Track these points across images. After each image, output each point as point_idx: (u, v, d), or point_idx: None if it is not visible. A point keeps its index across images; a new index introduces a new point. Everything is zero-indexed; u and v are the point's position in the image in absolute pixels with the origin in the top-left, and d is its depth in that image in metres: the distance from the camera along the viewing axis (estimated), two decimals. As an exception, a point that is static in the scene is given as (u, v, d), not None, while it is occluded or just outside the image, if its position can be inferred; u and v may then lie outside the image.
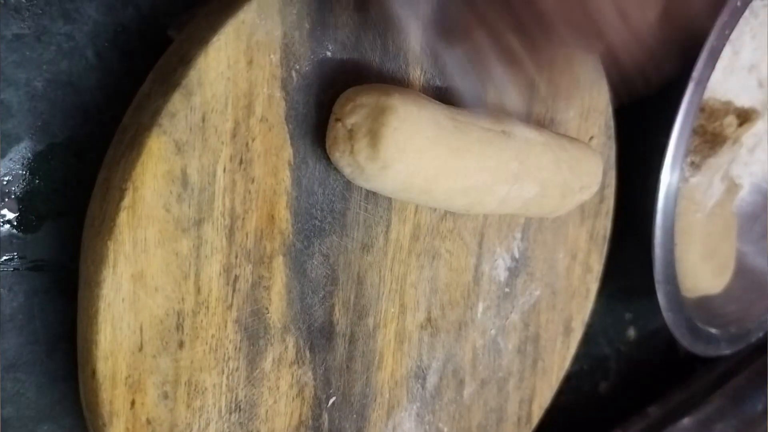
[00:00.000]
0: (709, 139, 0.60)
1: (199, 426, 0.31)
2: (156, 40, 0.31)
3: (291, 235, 0.32)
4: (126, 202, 0.26)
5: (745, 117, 0.61)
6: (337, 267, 0.34)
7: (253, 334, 0.32)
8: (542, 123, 0.43)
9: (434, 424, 0.42)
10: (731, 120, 0.61)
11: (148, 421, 0.29)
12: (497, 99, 0.35)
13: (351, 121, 0.30)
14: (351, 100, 0.30)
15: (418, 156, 0.30)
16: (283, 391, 0.34)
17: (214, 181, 0.29)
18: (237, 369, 0.32)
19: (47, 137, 0.29)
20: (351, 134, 0.30)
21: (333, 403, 0.36)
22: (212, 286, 0.30)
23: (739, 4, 0.50)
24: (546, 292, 0.46)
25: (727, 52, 0.57)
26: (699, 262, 0.63)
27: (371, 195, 0.35)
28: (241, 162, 0.29)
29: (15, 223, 0.29)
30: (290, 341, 0.33)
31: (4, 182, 0.29)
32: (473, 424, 0.45)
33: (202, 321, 0.30)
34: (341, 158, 0.31)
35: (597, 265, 0.50)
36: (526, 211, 0.39)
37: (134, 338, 0.28)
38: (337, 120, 0.31)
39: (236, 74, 0.28)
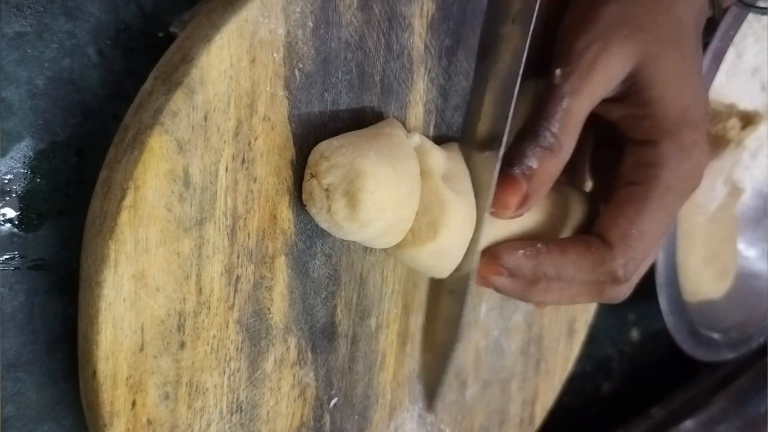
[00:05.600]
0: (712, 141, 0.60)
1: (200, 427, 0.31)
2: (158, 38, 0.31)
3: (293, 235, 0.32)
4: (127, 201, 0.26)
5: (748, 120, 0.61)
6: (340, 267, 0.34)
7: (255, 334, 0.32)
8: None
9: (436, 426, 0.42)
10: (734, 123, 0.61)
11: (149, 422, 0.29)
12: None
13: (326, 181, 0.29)
14: (325, 158, 0.30)
15: (397, 209, 0.30)
16: (285, 392, 0.34)
17: (216, 181, 0.29)
18: (238, 370, 0.31)
19: (48, 136, 0.29)
20: (328, 194, 0.29)
21: (335, 404, 0.36)
22: (214, 286, 0.30)
23: (743, 5, 0.50)
24: (549, 293, 0.46)
25: (730, 54, 0.57)
26: (701, 265, 0.63)
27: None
28: (243, 161, 0.29)
29: (16, 222, 0.29)
30: (292, 342, 0.33)
31: (5, 181, 0.29)
32: (475, 425, 0.45)
33: (203, 321, 0.30)
34: (318, 215, 0.30)
35: (600, 267, 0.50)
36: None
37: (135, 338, 0.28)
38: (312, 176, 0.30)
39: (239, 73, 0.28)
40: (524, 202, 0.34)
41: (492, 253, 0.36)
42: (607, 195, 0.37)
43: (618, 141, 0.37)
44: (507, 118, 0.34)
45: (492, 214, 0.34)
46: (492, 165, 0.34)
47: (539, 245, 0.35)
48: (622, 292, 0.38)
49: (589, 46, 0.34)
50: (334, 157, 0.29)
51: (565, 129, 0.34)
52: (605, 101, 0.35)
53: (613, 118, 0.36)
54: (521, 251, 0.35)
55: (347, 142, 0.30)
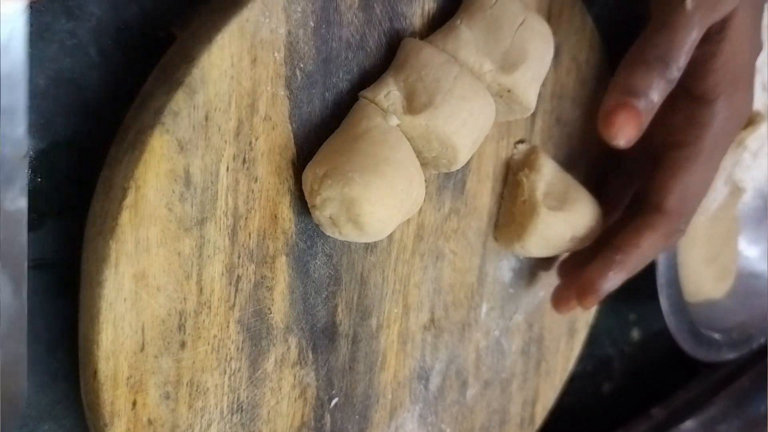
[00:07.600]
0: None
1: (201, 427, 0.31)
2: (159, 37, 0.31)
3: (294, 235, 0.32)
4: (128, 201, 0.26)
5: (749, 120, 0.61)
6: (341, 267, 0.34)
7: (256, 334, 0.32)
8: (548, 122, 0.42)
9: (437, 426, 0.42)
10: (735, 122, 0.61)
11: (150, 422, 0.29)
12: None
13: (326, 213, 0.30)
14: (316, 191, 0.30)
15: (401, 207, 0.31)
16: (286, 391, 0.34)
17: (216, 180, 0.29)
18: (239, 369, 0.31)
19: (49, 135, 0.29)
20: (333, 221, 0.30)
21: (335, 404, 0.36)
22: (214, 286, 0.30)
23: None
24: (550, 292, 0.46)
25: (732, 53, 0.57)
26: (701, 266, 0.62)
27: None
28: (244, 161, 0.29)
29: (16, 222, 0.29)
30: (293, 342, 0.33)
31: (6, 180, 0.29)
32: (476, 425, 0.45)
33: (204, 321, 0.30)
34: (334, 235, 0.32)
35: (601, 267, 0.50)
36: None
37: (136, 338, 0.28)
38: (314, 207, 0.31)
39: (240, 72, 0.28)
40: (637, 136, 0.33)
41: (587, 286, 0.38)
42: (649, 151, 0.37)
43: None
44: None
45: (606, 139, 0.34)
46: None
47: (617, 257, 0.37)
48: (682, 234, 0.40)
49: None
50: (323, 190, 0.30)
51: (686, 61, 0.32)
52: None
53: None
54: (611, 272, 0.37)
55: (330, 169, 0.30)
